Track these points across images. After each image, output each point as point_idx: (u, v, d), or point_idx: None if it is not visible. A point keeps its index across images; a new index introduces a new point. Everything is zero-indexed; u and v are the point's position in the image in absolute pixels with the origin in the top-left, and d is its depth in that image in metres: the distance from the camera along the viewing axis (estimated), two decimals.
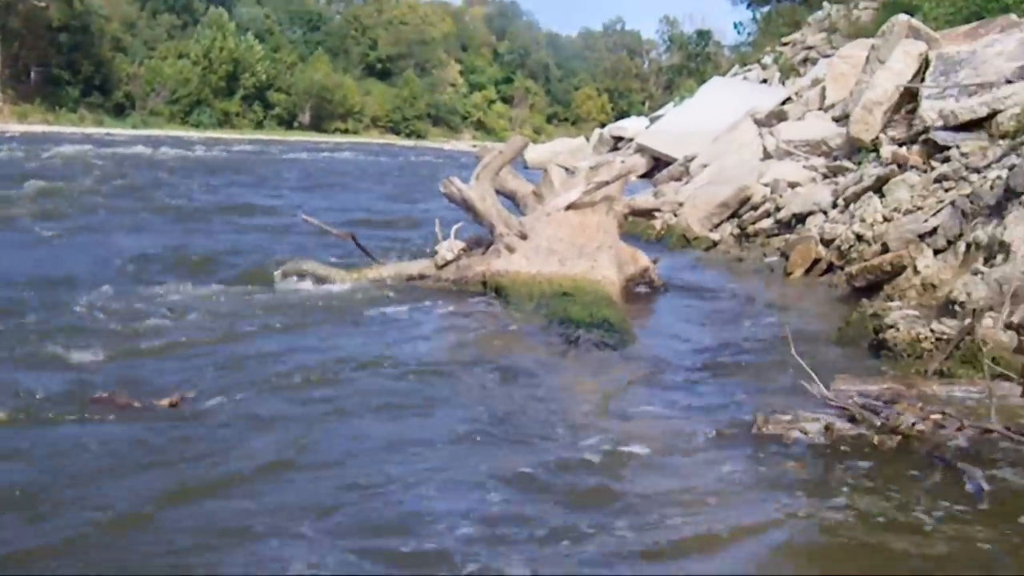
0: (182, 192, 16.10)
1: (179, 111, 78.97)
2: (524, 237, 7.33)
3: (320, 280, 7.39)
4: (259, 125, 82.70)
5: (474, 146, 61.25)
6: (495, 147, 8.64)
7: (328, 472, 3.50)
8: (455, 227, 7.74)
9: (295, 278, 7.41)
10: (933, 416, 4.03)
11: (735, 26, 59.38)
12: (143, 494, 3.23)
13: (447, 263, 7.54)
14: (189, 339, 5.47)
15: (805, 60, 24.35)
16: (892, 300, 6.66)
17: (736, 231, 10.81)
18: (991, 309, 5.54)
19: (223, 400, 4.36)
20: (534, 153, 27.46)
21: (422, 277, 7.60)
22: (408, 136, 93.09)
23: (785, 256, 9.18)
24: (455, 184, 7.57)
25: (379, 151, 50.73)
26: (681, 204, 11.47)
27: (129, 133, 59.03)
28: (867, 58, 12.49)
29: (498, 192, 7.96)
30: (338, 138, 79.63)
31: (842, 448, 3.88)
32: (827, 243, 8.87)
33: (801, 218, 9.97)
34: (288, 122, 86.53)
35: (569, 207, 7.64)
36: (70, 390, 4.45)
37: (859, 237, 8.47)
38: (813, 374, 4.26)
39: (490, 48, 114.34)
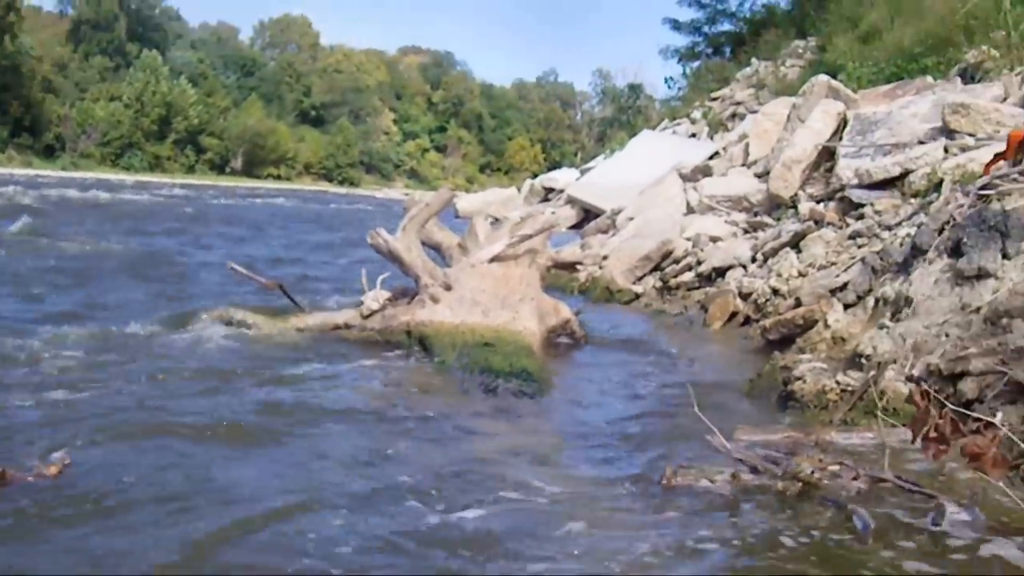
0: (105, 235, 15.99)
1: (110, 153, 78.50)
2: (448, 288, 7.46)
3: (244, 327, 7.43)
4: (191, 169, 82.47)
5: (406, 194, 61.38)
6: (422, 199, 8.77)
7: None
8: (381, 277, 7.83)
9: (219, 324, 7.42)
10: (831, 467, 4.20)
11: (666, 80, 60.41)
12: None
13: (372, 313, 7.61)
14: (93, 388, 5.40)
15: (733, 115, 24.86)
16: (804, 353, 6.79)
17: (659, 284, 10.97)
18: (894, 362, 5.70)
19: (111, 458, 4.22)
20: (465, 202, 27.71)
21: (347, 326, 7.66)
22: (341, 183, 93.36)
23: (705, 309, 9.36)
24: (381, 236, 7.67)
25: (311, 198, 50.85)
26: (605, 257, 11.64)
27: (58, 175, 58.53)
28: (788, 116, 12.89)
29: (424, 243, 8.06)
30: (270, 184, 79.63)
31: (746, 495, 4.05)
32: (745, 297, 9.07)
33: (721, 272, 10.18)
34: (220, 167, 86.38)
35: (493, 259, 7.79)
36: None
37: (775, 291, 8.69)
38: (714, 428, 4.38)
39: (424, 97, 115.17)
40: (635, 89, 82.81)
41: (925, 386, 4.25)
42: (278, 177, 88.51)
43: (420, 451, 4.63)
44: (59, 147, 76.11)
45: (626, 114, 79.82)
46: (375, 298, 7.67)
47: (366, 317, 7.64)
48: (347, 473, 4.21)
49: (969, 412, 4.28)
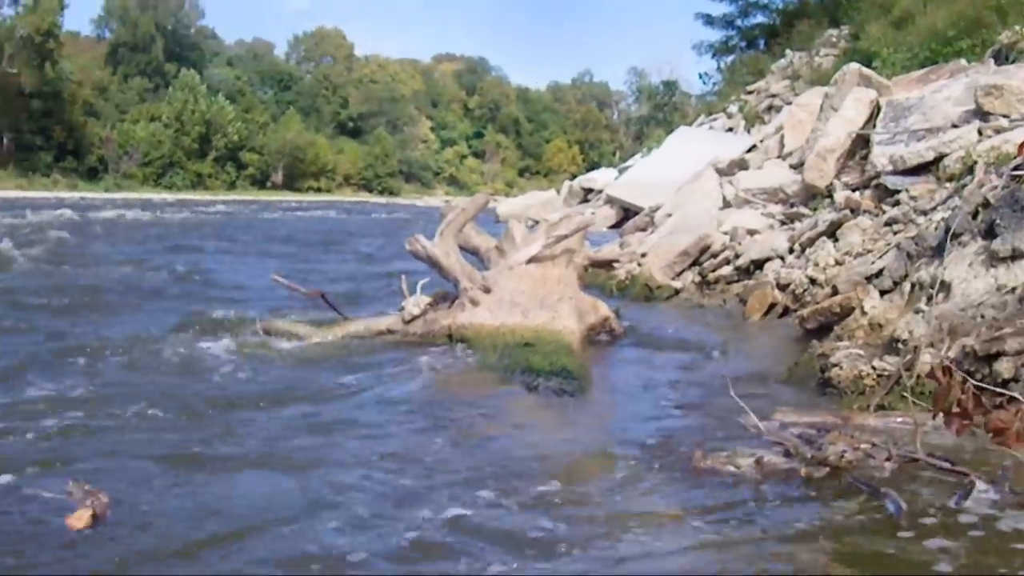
0: (152, 253, 16.27)
1: (152, 173, 79.35)
2: (488, 291, 7.58)
3: (292, 337, 7.60)
4: (232, 185, 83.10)
5: (446, 202, 61.60)
6: (458, 204, 8.90)
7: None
8: (421, 283, 7.96)
9: (266, 336, 7.59)
10: (863, 446, 4.28)
11: (700, 76, 60.06)
12: None
13: (414, 318, 7.75)
14: (146, 403, 5.48)
15: (769, 108, 24.78)
16: (841, 340, 6.82)
17: (697, 279, 11.01)
18: (931, 345, 5.72)
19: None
20: (505, 207, 27.83)
21: (390, 332, 7.81)
22: (381, 193, 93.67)
23: (744, 301, 9.41)
24: (420, 242, 7.81)
25: (352, 208, 51.14)
26: (644, 254, 11.71)
27: (102, 196, 59.26)
28: (821, 106, 12.89)
29: (462, 248, 8.20)
30: (311, 196, 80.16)
31: (772, 480, 4.13)
32: (783, 287, 9.10)
33: (759, 264, 10.22)
34: (261, 182, 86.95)
35: (530, 260, 7.90)
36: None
37: (812, 281, 8.73)
38: (750, 411, 4.51)
39: (460, 104, 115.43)
40: (670, 86, 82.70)
41: (948, 364, 4.29)
42: (319, 190, 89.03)
43: (465, 447, 4.78)
44: (102, 169, 77.11)
45: (662, 111, 79.71)
46: (416, 303, 7.81)
47: (408, 322, 7.78)
48: (399, 470, 4.34)
49: (992, 387, 4.40)
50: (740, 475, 4.18)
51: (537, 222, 10.64)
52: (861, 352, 6.18)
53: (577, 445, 4.93)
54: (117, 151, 78.06)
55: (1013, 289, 5.87)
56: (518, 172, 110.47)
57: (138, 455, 4.43)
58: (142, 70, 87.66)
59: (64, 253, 15.53)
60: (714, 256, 11.12)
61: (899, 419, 4.91)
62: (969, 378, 4.16)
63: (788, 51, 28.89)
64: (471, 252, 8.55)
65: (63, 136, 73.31)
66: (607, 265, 9.78)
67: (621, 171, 27.78)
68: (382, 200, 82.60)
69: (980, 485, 3.85)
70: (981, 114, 9.90)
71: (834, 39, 25.88)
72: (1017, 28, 12.57)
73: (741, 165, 14.67)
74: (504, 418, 5.46)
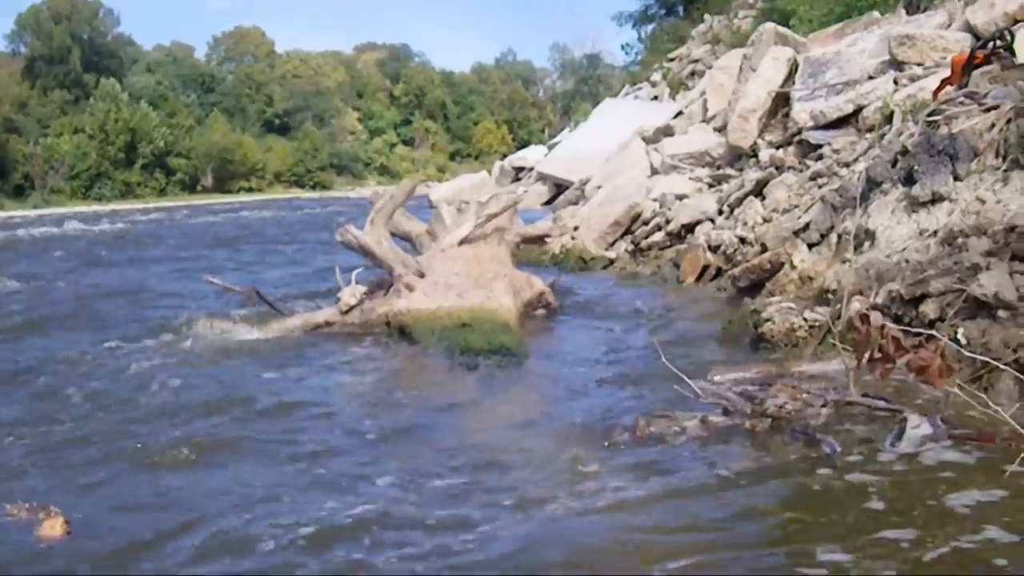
0: (86, 266, 16.11)
1: (79, 186, 78.16)
2: (422, 275, 7.59)
3: (231, 334, 7.58)
4: (162, 192, 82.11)
5: (375, 192, 61.49)
6: (387, 192, 8.88)
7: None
8: (354, 272, 7.96)
9: (203, 335, 7.57)
10: (803, 396, 4.42)
11: (623, 47, 60.15)
12: None
13: (351, 308, 7.75)
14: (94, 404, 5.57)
15: (692, 74, 24.93)
16: (773, 296, 6.95)
17: (630, 247, 11.13)
18: (860, 293, 5.87)
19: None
20: (438, 192, 27.79)
21: (328, 324, 7.81)
22: (313, 188, 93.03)
23: (677, 266, 9.50)
24: (351, 232, 7.80)
25: (284, 205, 50.82)
26: (576, 227, 11.80)
27: (32, 214, 58.37)
28: (740, 67, 13.02)
29: (394, 235, 8.20)
30: (243, 197, 79.38)
31: (716, 437, 4.25)
32: (714, 249, 9.21)
33: (690, 228, 10.33)
34: (191, 186, 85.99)
35: (462, 242, 7.92)
36: None
37: (742, 240, 8.88)
38: (684, 376, 4.58)
39: (386, 92, 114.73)
40: (593, 59, 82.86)
41: (866, 312, 4.54)
42: (250, 190, 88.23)
43: (417, 427, 4.84)
44: (28, 186, 75.81)
45: (587, 85, 79.84)
46: (352, 293, 7.82)
47: (345, 313, 7.79)
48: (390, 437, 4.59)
49: (911, 329, 4.54)
50: (685, 436, 4.28)
51: (467, 203, 10.65)
52: (792, 306, 6.32)
53: (520, 420, 5.01)
54: (42, 166, 76.82)
55: (935, 232, 6.02)
56: (449, 156, 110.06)
57: (93, 462, 4.45)
58: (61, 82, 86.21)
59: None
60: (645, 224, 11.22)
61: (834, 364, 5.05)
62: (889, 324, 4.33)
63: (707, 16, 29.07)
64: (403, 238, 8.57)
65: None
66: (539, 240, 9.82)
67: (551, 148, 27.84)
68: (315, 195, 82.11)
69: (913, 420, 3.99)
70: (896, 64, 10.09)
71: (751, 1, 26.04)
72: None
73: (667, 132, 14.78)
74: (448, 399, 5.47)
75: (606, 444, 4.32)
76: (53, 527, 3.49)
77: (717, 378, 4.87)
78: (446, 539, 3.32)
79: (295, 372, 6.41)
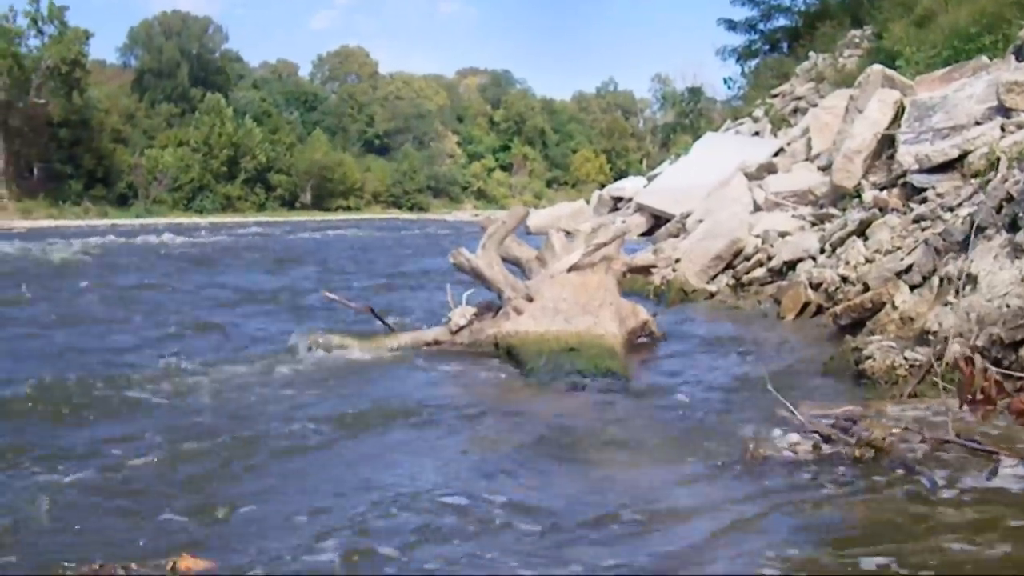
0: (195, 277, 16.63)
1: (182, 198, 79.94)
2: (531, 299, 7.89)
3: (343, 350, 7.95)
4: (262, 207, 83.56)
5: (476, 215, 62.13)
6: (499, 217, 9.19)
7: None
8: (466, 294, 8.33)
9: (320, 350, 7.94)
10: (896, 431, 4.62)
11: (725, 81, 59.86)
12: None
13: (460, 328, 8.11)
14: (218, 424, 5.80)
15: (795, 111, 24.90)
16: (874, 334, 7.11)
17: (731, 282, 11.27)
18: (960, 335, 5.99)
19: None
20: (536, 219, 27.94)
21: (437, 343, 8.17)
22: (410, 209, 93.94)
23: (778, 302, 9.64)
24: (463, 255, 8.15)
25: (382, 226, 51.39)
26: (678, 260, 12.03)
27: (134, 223, 59.84)
28: (846, 108, 13.15)
29: (504, 259, 8.54)
30: (341, 215, 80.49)
31: (824, 462, 4.47)
32: (816, 287, 9.31)
33: (791, 265, 10.46)
34: (290, 203, 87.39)
35: (571, 269, 8.20)
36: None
37: (844, 279, 8.97)
38: (789, 404, 4.84)
39: (486, 117, 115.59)
40: (695, 92, 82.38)
41: (970, 355, 4.61)
42: (348, 208, 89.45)
43: (529, 444, 5.14)
44: (132, 196, 77.74)
45: (688, 118, 79.45)
46: (462, 314, 8.17)
47: (455, 333, 8.14)
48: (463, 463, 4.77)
49: (1013, 373, 4.72)
50: (798, 460, 4.52)
51: (569, 232, 10.92)
52: (893, 344, 6.50)
53: (632, 442, 5.25)
54: (146, 177, 78.69)
55: None
56: (546, 183, 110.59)
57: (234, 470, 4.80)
58: (168, 96, 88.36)
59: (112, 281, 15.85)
60: (747, 259, 11.37)
61: (920, 405, 5.27)
62: (992, 366, 4.42)
63: (811, 53, 29.03)
64: (512, 263, 8.85)
65: (92, 164, 74.02)
66: (644, 271, 10.11)
67: (650, 179, 27.95)
68: (412, 216, 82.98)
69: (1007, 461, 4.17)
70: (1004, 110, 10.06)
71: (857, 40, 26.01)
72: None
73: (769, 169, 14.94)
74: (557, 418, 5.76)
75: (719, 464, 4.56)
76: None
77: (806, 412, 5.08)
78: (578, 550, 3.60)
79: (405, 387, 6.79)
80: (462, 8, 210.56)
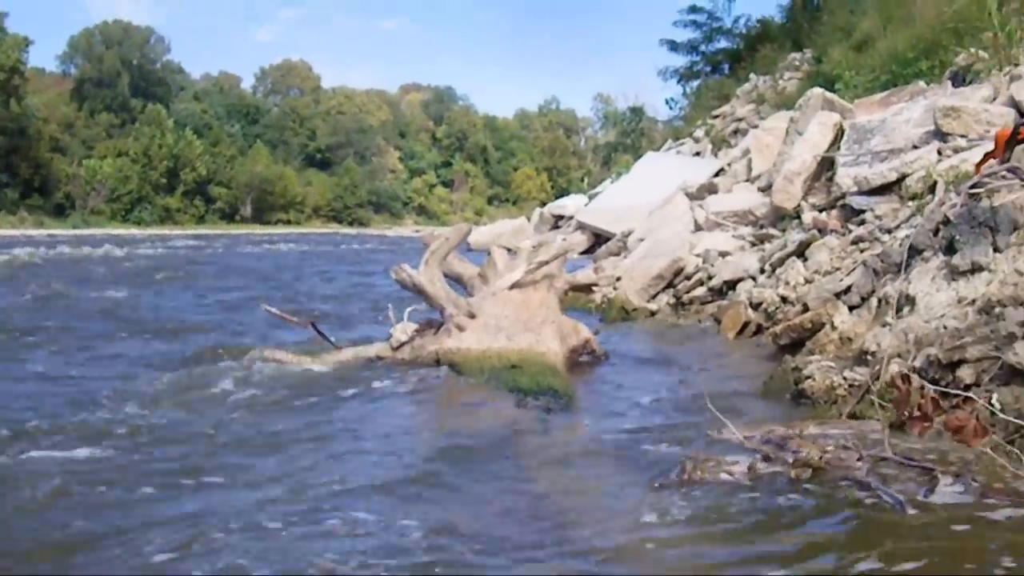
0: (134, 289, 16.45)
1: (120, 209, 79.33)
2: (472, 316, 7.88)
3: (282, 365, 7.89)
4: (201, 219, 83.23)
5: (416, 231, 62.26)
6: (441, 234, 9.17)
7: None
8: (407, 310, 8.30)
9: (260, 364, 7.87)
10: (830, 449, 4.68)
11: (667, 101, 60.30)
12: None
13: (402, 344, 8.07)
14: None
15: (735, 132, 25.27)
16: (813, 354, 7.17)
17: (672, 300, 11.37)
18: (898, 356, 6.04)
19: None
20: (477, 235, 28.00)
21: (379, 358, 8.12)
22: (351, 224, 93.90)
23: (718, 321, 9.74)
24: (405, 271, 8.11)
25: (322, 240, 51.26)
26: (619, 278, 12.15)
27: (70, 233, 59.18)
28: (787, 130, 13.36)
29: (446, 275, 8.50)
30: (281, 229, 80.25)
31: (763, 483, 4.47)
32: (755, 306, 9.45)
33: (732, 284, 10.60)
34: (230, 215, 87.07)
35: (513, 286, 8.22)
36: None
37: (784, 299, 9.10)
38: (729, 423, 4.89)
39: (428, 133, 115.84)
40: (637, 112, 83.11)
41: (907, 373, 4.96)
42: (288, 222, 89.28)
43: (462, 462, 5.07)
44: (69, 206, 77.06)
45: (629, 137, 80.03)
46: (403, 330, 8.15)
47: (396, 349, 8.11)
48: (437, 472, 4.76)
49: (947, 390, 4.84)
50: (733, 481, 4.50)
51: (511, 250, 10.96)
52: (832, 364, 6.57)
53: (568, 461, 5.24)
54: (84, 187, 78.01)
55: (973, 301, 6.13)
56: (487, 200, 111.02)
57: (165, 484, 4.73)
58: (108, 106, 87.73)
59: (40, 293, 15.63)
60: (687, 278, 11.48)
61: (844, 426, 5.30)
62: (929, 384, 4.70)
63: (752, 75, 29.46)
64: (455, 279, 8.82)
65: (29, 173, 73.30)
66: (586, 289, 10.15)
67: (591, 197, 28.12)
68: (352, 231, 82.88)
69: (945, 479, 4.22)
70: (940, 135, 10.31)
71: (797, 63, 26.46)
72: (972, 50, 13.01)
73: (710, 189, 15.13)
74: (495, 436, 5.72)
75: (656, 485, 4.54)
76: None
77: (736, 434, 5.10)
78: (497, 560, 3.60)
79: (344, 405, 6.75)
80: (405, 24, 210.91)
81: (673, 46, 42.54)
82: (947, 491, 4.13)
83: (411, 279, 8.12)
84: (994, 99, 10.88)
